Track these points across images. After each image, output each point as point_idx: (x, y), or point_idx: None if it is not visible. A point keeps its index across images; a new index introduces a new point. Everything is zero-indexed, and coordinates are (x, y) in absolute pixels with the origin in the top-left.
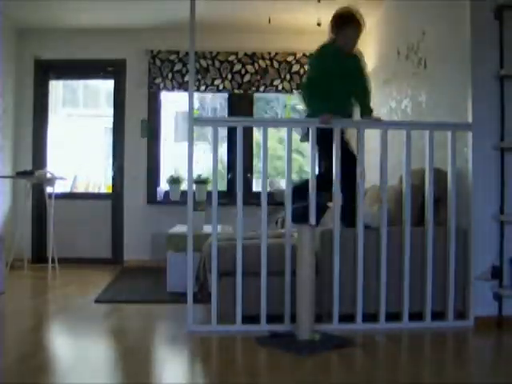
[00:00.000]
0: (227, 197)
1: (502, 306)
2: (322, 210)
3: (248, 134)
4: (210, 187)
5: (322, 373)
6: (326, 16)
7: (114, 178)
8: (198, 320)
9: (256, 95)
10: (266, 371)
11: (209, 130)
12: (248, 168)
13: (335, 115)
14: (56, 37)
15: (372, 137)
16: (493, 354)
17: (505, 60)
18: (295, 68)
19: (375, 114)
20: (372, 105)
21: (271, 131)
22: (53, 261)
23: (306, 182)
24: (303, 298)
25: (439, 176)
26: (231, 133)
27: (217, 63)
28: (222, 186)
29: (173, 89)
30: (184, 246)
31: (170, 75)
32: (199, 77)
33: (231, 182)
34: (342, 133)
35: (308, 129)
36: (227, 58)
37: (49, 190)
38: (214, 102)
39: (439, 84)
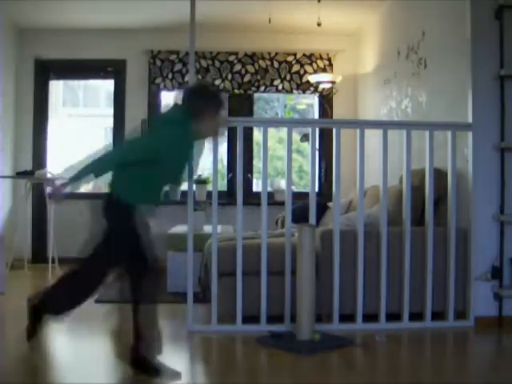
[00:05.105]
0: (227, 197)
1: (502, 306)
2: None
3: (248, 133)
4: (210, 187)
5: (322, 373)
6: (326, 16)
7: None
8: (198, 320)
9: (256, 95)
10: (266, 371)
11: None
12: (248, 168)
13: None
14: (56, 37)
15: (372, 137)
16: (493, 354)
17: (505, 60)
18: (295, 68)
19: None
20: (372, 105)
21: (271, 131)
22: (53, 261)
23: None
24: (303, 298)
25: (439, 176)
26: (231, 133)
27: (217, 63)
28: (222, 186)
29: (173, 89)
30: (184, 246)
31: (170, 75)
32: (199, 77)
33: (231, 182)
34: None
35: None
36: (227, 58)
37: (49, 190)
38: None
39: (439, 84)
